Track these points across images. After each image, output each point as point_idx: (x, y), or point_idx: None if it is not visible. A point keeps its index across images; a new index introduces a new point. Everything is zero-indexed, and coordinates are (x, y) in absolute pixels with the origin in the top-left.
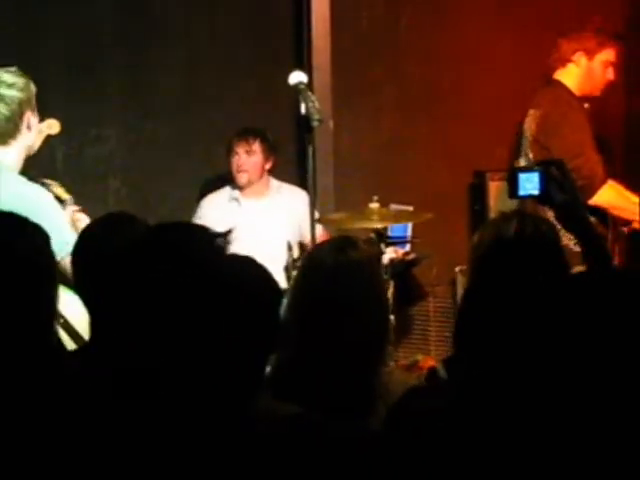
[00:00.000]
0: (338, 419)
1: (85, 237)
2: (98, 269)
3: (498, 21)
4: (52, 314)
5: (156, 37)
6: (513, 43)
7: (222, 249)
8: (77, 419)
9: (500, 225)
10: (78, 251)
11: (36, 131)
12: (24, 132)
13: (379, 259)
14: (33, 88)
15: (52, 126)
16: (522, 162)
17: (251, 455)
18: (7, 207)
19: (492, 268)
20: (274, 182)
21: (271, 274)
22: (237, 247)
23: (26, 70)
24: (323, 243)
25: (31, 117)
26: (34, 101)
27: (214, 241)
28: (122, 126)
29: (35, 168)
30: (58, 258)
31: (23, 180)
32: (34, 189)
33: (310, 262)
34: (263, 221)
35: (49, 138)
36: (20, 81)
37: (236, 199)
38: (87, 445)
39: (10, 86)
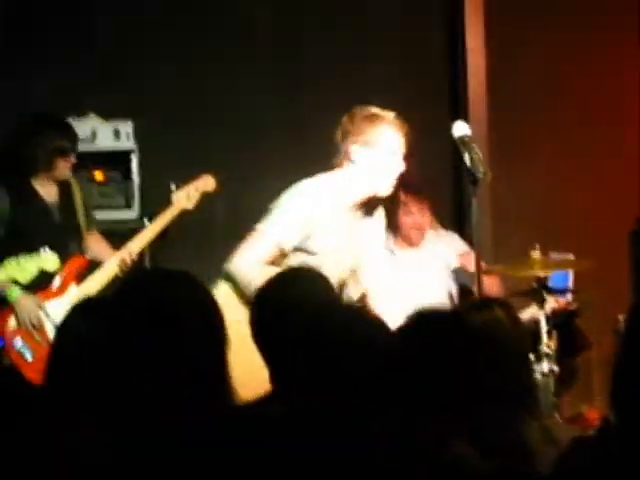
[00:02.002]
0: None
1: None
2: None
3: None
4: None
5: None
6: None
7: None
8: None
9: None
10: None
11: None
12: None
13: (515, 318)
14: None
15: (208, 183)
16: None
17: None
18: None
19: None
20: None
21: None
22: (392, 299)
23: None
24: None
25: None
26: None
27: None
28: None
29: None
30: None
31: None
32: None
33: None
34: (419, 273)
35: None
36: None
37: (390, 250)
38: None
39: None
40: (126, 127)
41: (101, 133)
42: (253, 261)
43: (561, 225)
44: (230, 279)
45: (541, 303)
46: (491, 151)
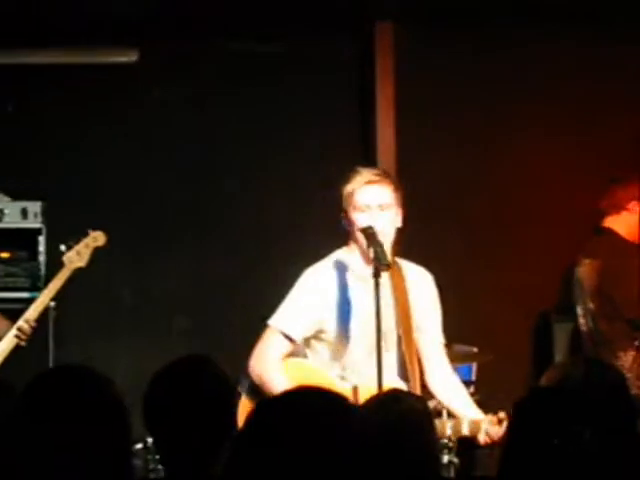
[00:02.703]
0: None
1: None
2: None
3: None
4: None
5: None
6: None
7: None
8: None
9: (566, 369)
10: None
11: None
12: None
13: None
14: None
15: (97, 238)
16: (579, 310)
17: None
18: None
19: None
20: None
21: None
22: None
23: None
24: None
25: None
26: None
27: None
28: None
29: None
30: None
31: None
32: None
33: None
34: None
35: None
36: None
37: None
38: None
39: None
40: (34, 207)
41: (8, 211)
42: (269, 364)
43: (465, 318)
44: (252, 383)
45: None
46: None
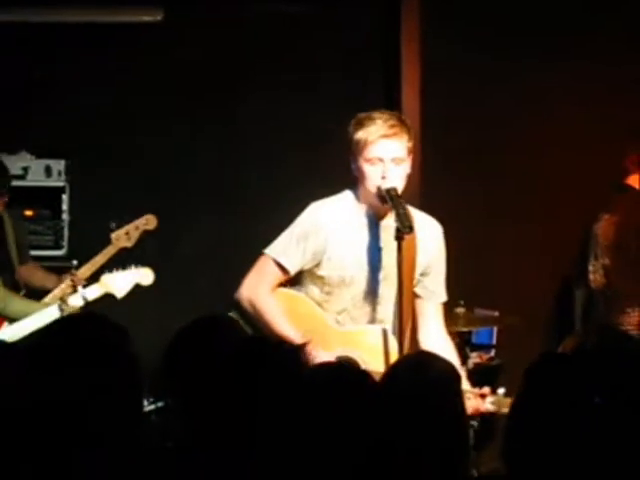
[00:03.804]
0: None
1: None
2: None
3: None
4: None
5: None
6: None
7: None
8: None
9: (581, 338)
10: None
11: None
12: None
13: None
14: None
15: (149, 222)
16: (592, 267)
17: None
18: None
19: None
20: None
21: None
22: None
23: None
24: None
25: None
26: None
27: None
28: None
29: None
30: None
31: None
32: None
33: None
34: None
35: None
36: None
37: None
38: None
39: None
40: (58, 165)
41: (32, 170)
42: (260, 289)
43: (488, 281)
44: (238, 308)
45: (464, 359)
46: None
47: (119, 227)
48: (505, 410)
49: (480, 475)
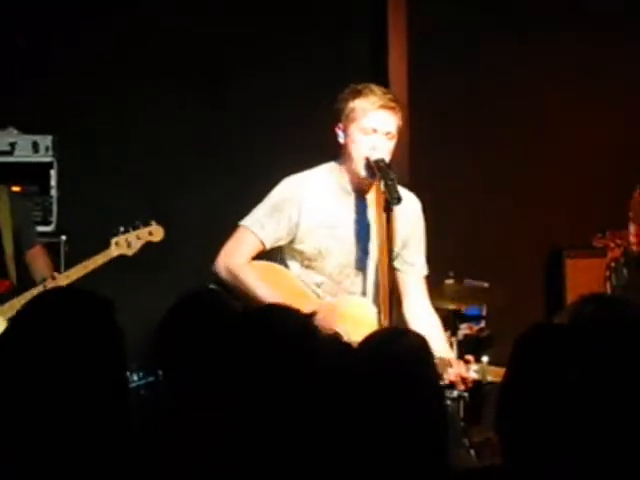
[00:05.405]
0: None
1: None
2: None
3: (581, 93)
4: None
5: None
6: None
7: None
8: None
9: (577, 307)
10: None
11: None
12: None
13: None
14: None
15: (154, 233)
16: (633, 229)
17: None
18: None
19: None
20: None
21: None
22: None
23: None
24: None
25: None
26: None
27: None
28: None
29: None
30: None
31: None
32: None
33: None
34: None
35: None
36: None
37: None
38: None
39: None
40: (45, 140)
41: (20, 146)
42: (237, 258)
43: (478, 252)
44: (218, 279)
45: (454, 330)
46: (412, 176)
47: (125, 232)
48: (489, 378)
49: (472, 444)
